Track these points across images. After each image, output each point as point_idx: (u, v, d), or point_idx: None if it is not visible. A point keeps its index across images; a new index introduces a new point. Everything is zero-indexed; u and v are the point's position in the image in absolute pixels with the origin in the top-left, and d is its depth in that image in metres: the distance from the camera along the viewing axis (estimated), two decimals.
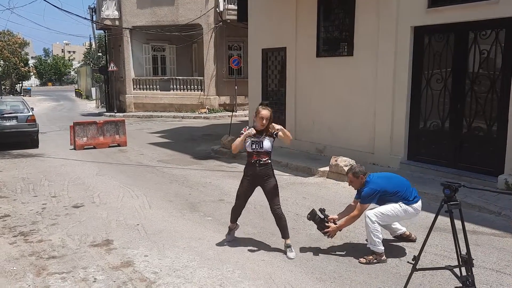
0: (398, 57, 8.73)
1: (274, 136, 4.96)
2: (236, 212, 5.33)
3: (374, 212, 4.76)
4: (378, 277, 4.44)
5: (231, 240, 5.41)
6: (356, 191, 5.06)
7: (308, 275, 4.49)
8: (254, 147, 4.96)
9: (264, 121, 4.89)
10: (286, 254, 5.00)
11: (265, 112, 4.90)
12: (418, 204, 4.95)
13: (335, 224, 5.01)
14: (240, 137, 4.97)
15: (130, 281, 4.41)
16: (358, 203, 4.89)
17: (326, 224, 5.00)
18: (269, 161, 5.05)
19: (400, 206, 4.81)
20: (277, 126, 4.89)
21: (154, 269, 4.67)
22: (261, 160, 4.97)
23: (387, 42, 8.89)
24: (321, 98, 10.66)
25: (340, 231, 5.06)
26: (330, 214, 5.16)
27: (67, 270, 4.68)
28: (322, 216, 5.04)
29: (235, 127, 14.40)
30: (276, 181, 5.10)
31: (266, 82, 12.57)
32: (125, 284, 4.33)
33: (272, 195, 5.07)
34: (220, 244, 5.36)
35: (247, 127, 5.06)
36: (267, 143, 4.95)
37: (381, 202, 4.85)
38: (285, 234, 5.11)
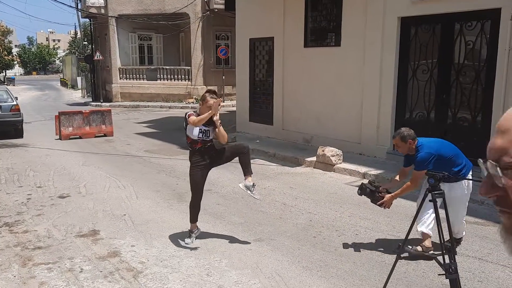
0: (385, 48, 8.77)
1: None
2: (196, 207, 5.09)
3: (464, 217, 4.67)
4: (363, 265, 4.50)
5: (192, 242, 5.04)
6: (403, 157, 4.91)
7: (294, 264, 4.53)
8: (200, 136, 4.87)
9: (214, 111, 4.76)
10: (251, 194, 4.97)
11: (214, 101, 4.77)
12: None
13: (389, 193, 4.69)
14: (202, 115, 4.76)
15: (117, 271, 4.40)
16: (413, 171, 4.54)
17: (380, 195, 4.68)
18: (212, 143, 5.00)
19: (464, 185, 4.53)
20: (218, 121, 4.81)
21: (141, 259, 4.67)
22: (206, 145, 4.93)
23: (374, 33, 8.92)
24: (309, 88, 10.67)
25: (396, 199, 4.72)
26: (380, 184, 4.93)
27: (53, 260, 4.65)
28: (373, 188, 4.73)
29: (222, 117, 14.32)
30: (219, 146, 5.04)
31: (253, 72, 12.54)
32: (112, 274, 4.33)
33: (228, 152, 5.05)
34: (207, 233, 5.37)
35: (190, 112, 4.92)
36: (211, 133, 4.92)
37: (436, 168, 4.21)
38: (247, 171, 5.03)
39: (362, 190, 4.76)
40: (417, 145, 4.48)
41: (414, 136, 4.53)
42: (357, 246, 4.99)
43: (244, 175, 5.01)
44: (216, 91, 5.10)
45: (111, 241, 5.16)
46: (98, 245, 5.05)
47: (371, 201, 4.79)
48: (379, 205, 4.72)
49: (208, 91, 4.97)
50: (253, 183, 4.99)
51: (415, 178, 4.48)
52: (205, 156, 4.98)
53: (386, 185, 4.84)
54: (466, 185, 4.52)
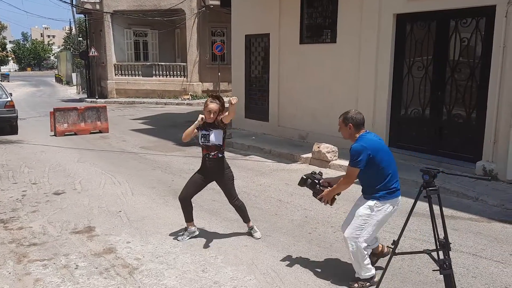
0: (381, 45, 8.78)
1: (223, 128, 4.88)
2: (183, 206, 5.05)
3: (352, 233, 3.89)
4: None
5: (184, 240, 5.04)
6: None
7: (290, 260, 4.54)
8: (202, 140, 4.88)
9: (212, 115, 4.76)
10: (252, 235, 5.11)
11: (213, 106, 4.76)
12: (395, 200, 4.03)
13: (330, 187, 4.23)
14: (188, 128, 4.90)
15: (112, 267, 4.40)
16: (347, 166, 4.04)
17: (320, 188, 4.25)
18: (220, 155, 4.88)
19: (375, 207, 3.90)
20: (224, 114, 4.81)
21: (137, 255, 4.67)
22: (210, 155, 4.85)
23: (369, 29, 8.93)
24: (304, 85, 10.68)
25: (337, 196, 4.26)
26: (323, 177, 4.39)
27: (48, 257, 4.64)
28: (316, 180, 4.30)
29: None
30: (230, 174, 4.97)
31: (249, 69, 12.54)
32: (108, 271, 4.33)
33: (227, 189, 4.97)
34: (202, 230, 5.38)
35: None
36: (213, 137, 4.81)
37: (367, 171, 3.89)
38: (246, 219, 5.15)
39: (302, 181, 4.38)
40: (359, 136, 3.98)
41: (358, 123, 3.99)
42: None
43: (244, 222, 5.22)
44: (220, 95, 5.03)
45: (107, 238, 5.15)
46: (94, 242, 5.04)
47: (312, 194, 4.37)
48: (319, 200, 4.28)
49: (211, 96, 4.96)
50: (251, 226, 5.18)
51: (347, 174, 4.00)
52: (206, 167, 4.94)
53: (329, 179, 4.33)
54: (376, 207, 3.89)
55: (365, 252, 3.92)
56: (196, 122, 4.86)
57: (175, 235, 5.21)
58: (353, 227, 3.92)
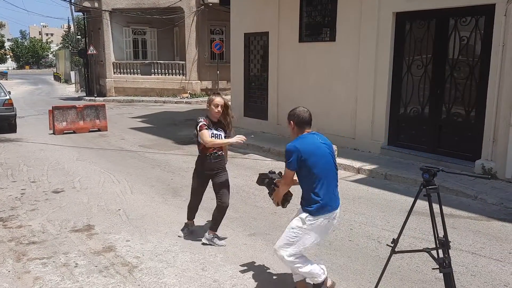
0: (380, 43, 8.78)
1: (228, 133, 4.83)
2: (193, 209, 5.13)
3: (280, 246, 3.68)
4: (358, 259, 4.53)
5: (186, 235, 5.12)
6: None
7: None
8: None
9: (220, 108, 4.69)
10: (213, 242, 4.89)
11: (219, 99, 4.71)
12: (331, 214, 3.64)
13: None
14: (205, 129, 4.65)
15: (112, 266, 4.40)
16: None
17: (275, 188, 4.03)
18: (222, 153, 4.88)
19: (306, 221, 3.62)
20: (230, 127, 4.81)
21: (136, 253, 4.67)
22: (217, 153, 4.78)
23: (369, 28, 8.92)
24: (304, 83, 10.67)
25: (290, 198, 4.05)
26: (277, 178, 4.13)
27: (47, 255, 4.64)
28: (273, 179, 4.09)
29: None
30: (227, 174, 4.94)
31: (248, 67, 12.53)
32: (107, 269, 4.33)
33: (223, 188, 4.86)
34: (202, 228, 5.37)
35: (202, 117, 4.74)
36: (224, 137, 4.79)
37: (300, 174, 3.68)
38: (215, 227, 4.94)
39: (260, 179, 4.21)
40: (299, 136, 3.71)
41: (301, 122, 3.72)
42: (351, 241, 5.01)
43: (210, 228, 4.98)
44: (220, 93, 5.00)
45: (106, 236, 5.15)
46: (93, 240, 5.04)
47: (268, 193, 4.17)
48: (272, 200, 4.09)
49: (214, 93, 4.89)
50: (216, 235, 4.94)
51: (284, 175, 3.80)
52: (210, 165, 4.79)
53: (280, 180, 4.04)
54: (308, 220, 3.61)
55: (298, 261, 3.66)
56: (225, 141, 4.74)
57: (175, 233, 5.21)
58: (282, 238, 3.70)
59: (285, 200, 4.01)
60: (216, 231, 4.96)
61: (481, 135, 7.39)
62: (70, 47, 47.21)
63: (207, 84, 23.67)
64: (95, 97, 24.78)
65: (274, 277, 4.15)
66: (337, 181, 3.75)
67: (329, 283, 3.84)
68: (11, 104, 12.81)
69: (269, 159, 9.19)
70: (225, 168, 4.91)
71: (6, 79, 47.00)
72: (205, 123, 4.66)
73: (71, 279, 4.12)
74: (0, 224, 5.57)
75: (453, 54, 7.86)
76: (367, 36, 8.98)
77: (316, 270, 3.73)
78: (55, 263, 4.47)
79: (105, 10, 24.07)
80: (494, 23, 7.06)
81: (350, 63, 9.43)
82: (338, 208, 3.73)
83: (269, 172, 4.19)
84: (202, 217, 5.75)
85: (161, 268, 4.35)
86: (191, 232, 5.20)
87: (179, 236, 5.13)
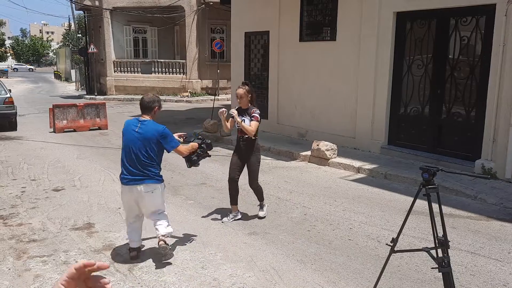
0: (380, 43, 8.78)
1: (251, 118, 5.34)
2: (231, 190, 5.58)
3: None
4: (357, 259, 4.54)
5: (228, 222, 5.53)
6: None
7: (289, 257, 4.56)
8: (238, 125, 5.31)
9: (238, 100, 5.32)
10: (257, 213, 5.70)
11: (239, 91, 5.32)
12: (125, 188, 4.41)
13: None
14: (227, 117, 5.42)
15: (112, 264, 4.41)
16: None
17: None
18: (254, 138, 5.35)
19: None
20: (254, 113, 5.31)
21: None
22: (243, 137, 5.37)
23: (369, 27, 8.93)
24: (304, 83, 10.68)
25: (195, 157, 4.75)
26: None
27: (48, 253, 4.65)
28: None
29: (217, 111, 14.33)
30: (258, 156, 5.49)
31: (248, 66, 12.53)
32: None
33: (252, 170, 5.47)
34: (202, 227, 5.39)
35: (230, 110, 5.38)
36: (247, 122, 5.29)
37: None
38: (260, 199, 5.69)
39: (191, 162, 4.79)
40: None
41: (141, 106, 4.51)
42: (351, 240, 5.03)
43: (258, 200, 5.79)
44: (248, 81, 5.73)
45: (106, 234, 5.16)
46: (93, 238, 5.05)
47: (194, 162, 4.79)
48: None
49: (242, 82, 5.59)
50: (262, 204, 5.76)
51: None
52: (240, 147, 5.49)
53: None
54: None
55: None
56: (223, 117, 5.36)
57: (175, 231, 5.21)
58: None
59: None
60: (262, 200, 5.71)
61: (481, 135, 7.40)
62: (70, 45, 47.21)
63: (208, 83, 23.67)
64: (96, 95, 24.77)
65: (274, 276, 4.16)
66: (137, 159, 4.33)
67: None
68: (12, 102, 12.81)
69: (269, 158, 9.20)
70: (254, 151, 5.44)
71: (7, 77, 47.00)
72: (231, 112, 5.30)
73: None
74: (1, 222, 5.59)
75: (453, 54, 7.87)
76: (367, 35, 8.99)
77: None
78: (56, 261, 4.48)
79: (105, 9, 24.06)
80: (495, 23, 7.06)
81: (350, 62, 9.44)
82: (128, 186, 4.34)
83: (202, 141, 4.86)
84: (202, 216, 5.77)
85: (161, 266, 4.36)
86: (234, 217, 5.61)
87: (223, 222, 5.51)
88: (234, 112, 5.22)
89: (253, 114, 5.31)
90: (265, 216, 5.67)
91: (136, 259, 4.46)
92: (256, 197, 5.74)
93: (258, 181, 5.60)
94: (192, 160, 4.73)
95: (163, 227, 4.40)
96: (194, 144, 4.74)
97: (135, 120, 4.49)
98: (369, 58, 9.01)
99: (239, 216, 5.62)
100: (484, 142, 7.35)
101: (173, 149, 4.48)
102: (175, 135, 4.69)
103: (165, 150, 4.49)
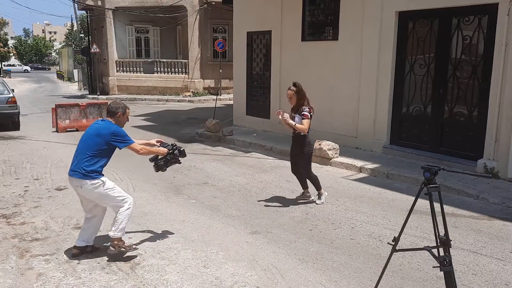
0: (383, 42, 8.77)
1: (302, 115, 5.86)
2: (297, 179, 6.31)
3: None
4: (359, 258, 4.54)
5: (322, 203, 6.19)
6: None
7: (291, 256, 4.56)
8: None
9: (288, 101, 5.99)
10: (315, 201, 6.25)
11: (288, 92, 5.93)
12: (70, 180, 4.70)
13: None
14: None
15: (114, 262, 4.42)
16: None
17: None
18: (302, 134, 5.88)
19: None
20: (304, 111, 5.80)
21: (138, 251, 4.68)
22: (294, 132, 6.01)
23: (371, 27, 8.92)
24: (306, 82, 10.57)
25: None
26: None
27: (50, 252, 4.67)
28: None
29: (219, 110, 14.36)
30: (308, 152, 6.04)
31: (251, 66, 12.53)
32: (109, 266, 4.36)
33: (302, 164, 6.09)
34: (204, 226, 5.40)
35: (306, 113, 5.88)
36: (297, 119, 5.83)
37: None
38: (317, 188, 6.22)
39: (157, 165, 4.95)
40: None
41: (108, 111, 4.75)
42: (352, 239, 5.03)
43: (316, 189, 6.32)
44: (297, 82, 6.09)
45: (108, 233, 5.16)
46: (95, 237, 5.06)
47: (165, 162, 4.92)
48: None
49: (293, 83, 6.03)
50: (320, 193, 6.29)
51: None
52: (292, 141, 6.17)
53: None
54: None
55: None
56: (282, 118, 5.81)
57: (177, 230, 5.23)
58: None
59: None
60: (320, 189, 6.25)
61: (484, 134, 7.39)
62: (73, 45, 47.29)
63: (210, 82, 23.70)
64: (98, 95, 24.84)
65: (276, 275, 4.17)
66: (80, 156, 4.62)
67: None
68: (15, 102, 12.86)
69: (271, 158, 9.21)
70: (302, 145, 5.99)
71: (10, 77, 47.13)
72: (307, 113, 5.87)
73: (74, 276, 4.15)
74: (4, 221, 5.61)
75: (455, 53, 7.86)
76: (369, 35, 8.98)
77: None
78: (58, 259, 4.50)
79: (108, 9, 24.12)
80: (497, 22, 7.06)
81: (352, 62, 9.43)
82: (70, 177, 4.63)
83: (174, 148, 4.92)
84: (205, 215, 5.78)
85: (163, 265, 4.37)
86: (307, 197, 6.33)
87: (317, 204, 6.18)
88: (286, 115, 5.72)
89: (302, 112, 5.80)
90: (322, 203, 6.18)
91: (76, 257, 4.52)
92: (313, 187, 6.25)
93: (311, 172, 6.14)
94: (158, 164, 4.88)
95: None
96: (162, 149, 4.84)
97: (100, 121, 4.80)
98: (371, 57, 9.00)
99: (326, 194, 6.33)
100: (486, 142, 7.34)
101: (126, 147, 4.69)
102: (154, 140, 5.06)
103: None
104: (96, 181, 4.48)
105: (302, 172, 6.17)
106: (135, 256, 4.54)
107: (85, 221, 4.71)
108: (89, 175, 4.46)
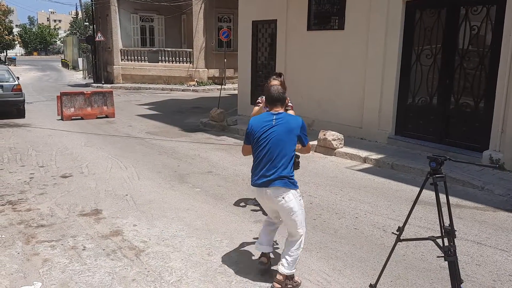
0: (389, 32, 8.70)
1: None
2: None
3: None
4: (362, 247, 4.55)
5: None
6: None
7: None
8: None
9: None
10: None
11: (275, 83, 5.01)
12: (259, 191, 3.70)
13: None
14: (257, 106, 5.23)
15: (119, 249, 4.45)
16: None
17: None
18: None
19: None
20: (290, 103, 5.13)
21: (143, 238, 4.72)
22: None
23: (378, 16, 8.84)
24: (311, 72, 10.62)
25: None
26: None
27: (56, 238, 4.70)
28: None
29: (224, 100, 14.34)
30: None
31: (256, 55, 12.48)
32: (114, 252, 4.38)
33: None
34: (208, 214, 5.42)
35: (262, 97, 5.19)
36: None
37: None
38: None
39: None
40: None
41: (268, 99, 3.83)
42: (356, 229, 5.03)
43: None
44: (277, 74, 5.41)
45: (114, 220, 5.20)
46: (101, 224, 5.10)
47: None
48: None
49: (274, 74, 5.35)
50: None
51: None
52: None
53: None
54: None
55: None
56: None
57: (182, 218, 5.25)
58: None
59: None
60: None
61: (490, 126, 7.34)
62: (78, 33, 47.23)
63: (214, 72, 23.63)
64: (103, 83, 24.85)
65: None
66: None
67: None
68: (20, 90, 12.88)
69: None
70: None
71: (15, 65, 47.18)
72: (259, 100, 5.27)
73: (79, 262, 4.18)
74: (10, 207, 5.65)
75: (463, 43, 7.78)
76: (376, 24, 8.90)
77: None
78: (64, 246, 4.53)
79: None
80: (506, 12, 6.97)
81: (358, 51, 9.37)
82: (264, 188, 3.65)
83: None
84: (209, 204, 5.80)
85: (167, 252, 4.40)
86: None
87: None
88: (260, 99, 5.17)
89: (289, 104, 5.18)
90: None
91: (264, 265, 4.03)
92: None
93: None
94: (297, 162, 4.50)
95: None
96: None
97: (274, 114, 3.73)
98: (377, 47, 8.94)
99: None
100: (492, 133, 7.30)
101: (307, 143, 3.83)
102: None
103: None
104: (298, 190, 3.72)
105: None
106: (140, 244, 4.57)
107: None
108: (295, 183, 3.67)
